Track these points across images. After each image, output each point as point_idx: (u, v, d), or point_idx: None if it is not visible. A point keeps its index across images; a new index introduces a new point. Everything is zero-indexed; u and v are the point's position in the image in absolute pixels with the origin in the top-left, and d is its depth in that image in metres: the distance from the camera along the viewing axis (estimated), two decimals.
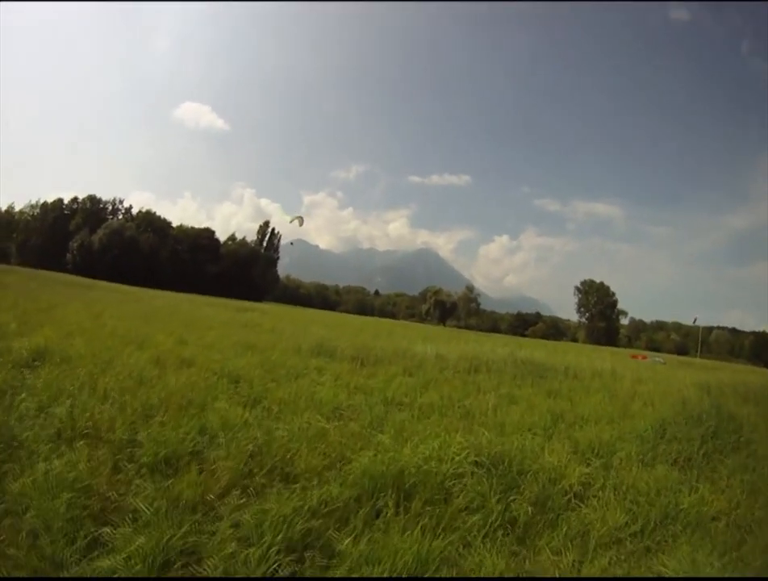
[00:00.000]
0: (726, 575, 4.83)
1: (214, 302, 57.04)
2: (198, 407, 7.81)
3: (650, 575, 4.89)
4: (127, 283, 76.86)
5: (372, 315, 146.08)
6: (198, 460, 6.04)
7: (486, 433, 7.66)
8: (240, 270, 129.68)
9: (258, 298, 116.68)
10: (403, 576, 4.45)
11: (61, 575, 4.18)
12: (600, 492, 6.53)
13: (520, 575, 4.74)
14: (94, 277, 78.90)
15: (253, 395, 9.02)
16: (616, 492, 6.58)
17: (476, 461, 6.60)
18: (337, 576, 4.42)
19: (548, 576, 4.74)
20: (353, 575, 4.43)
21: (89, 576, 4.18)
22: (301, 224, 39.99)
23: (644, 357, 53.14)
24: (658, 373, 21.36)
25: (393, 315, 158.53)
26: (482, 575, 4.64)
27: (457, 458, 6.56)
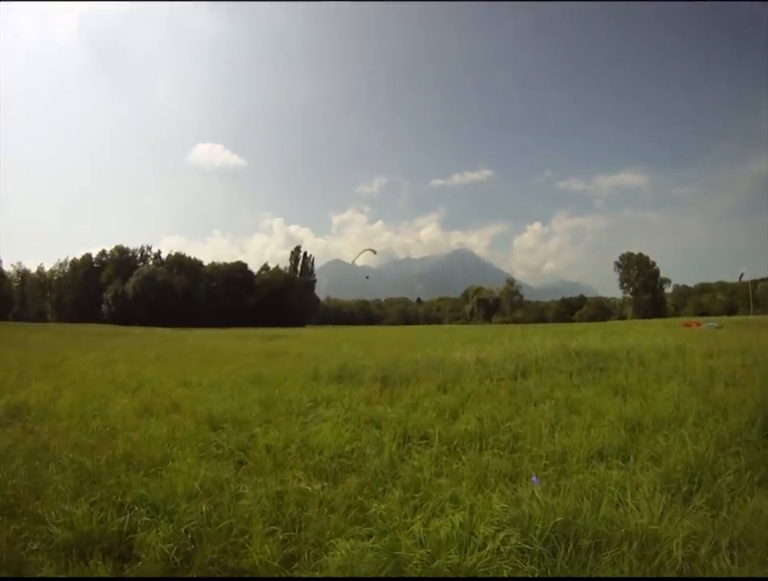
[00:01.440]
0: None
1: (246, 333, 55.69)
2: (157, 465, 6.69)
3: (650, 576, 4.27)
4: (164, 326, 77.94)
5: (417, 323, 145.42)
6: (124, 544, 4.89)
7: (539, 497, 5.16)
8: (277, 298, 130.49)
9: (299, 323, 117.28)
10: (404, 576, 4.26)
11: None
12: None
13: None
14: (130, 325, 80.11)
15: (231, 445, 7.59)
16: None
17: (522, 548, 4.42)
18: (338, 576, 4.27)
19: (549, 576, 4.24)
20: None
21: (89, 576, 4.27)
22: (374, 252, 39.27)
23: (698, 324, 49.50)
24: (723, 340, 18.83)
25: (438, 321, 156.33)
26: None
27: (490, 546, 4.40)
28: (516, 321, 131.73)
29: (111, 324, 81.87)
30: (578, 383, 11.18)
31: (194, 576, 4.29)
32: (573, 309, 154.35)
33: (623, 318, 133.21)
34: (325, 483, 6.14)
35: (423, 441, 7.78)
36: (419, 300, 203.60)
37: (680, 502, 5.37)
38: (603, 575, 4.22)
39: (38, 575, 4.44)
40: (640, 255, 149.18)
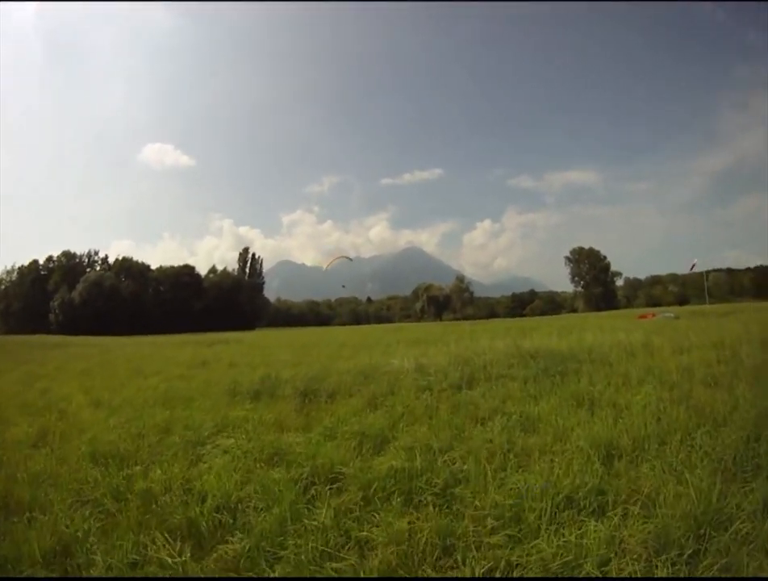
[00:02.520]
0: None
1: (187, 340, 52.59)
2: (24, 510, 5.78)
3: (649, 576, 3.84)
4: (113, 333, 76.27)
5: (367, 322, 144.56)
6: None
7: None
8: (225, 301, 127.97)
9: (249, 325, 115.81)
10: (404, 576, 4.07)
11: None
12: None
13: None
14: (78, 333, 77.13)
15: (104, 488, 6.28)
16: None
17: None
18: (338, 576, 4.11)
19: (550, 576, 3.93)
20: None
21: (89, 576, 4.32)
22: (350, 259, 38.82)
23: (653, 315, 49.03)
24: (690, 332, 17.50)
25: (389, 320, 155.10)
26: None
27: None
28: (467, 318, 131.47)
29: (58, 334, 78.63)
30: (535, 393, 9.26)
31: (194, 576, 4.23)
32: (525, 304, 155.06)
33: (574, 311, 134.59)
34: (194, 551, 4.74)
35: (334, 485, 5.86)
36: (369, 299, 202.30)
37: (684, 570, 3.94)
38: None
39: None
40: (591, 249, 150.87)
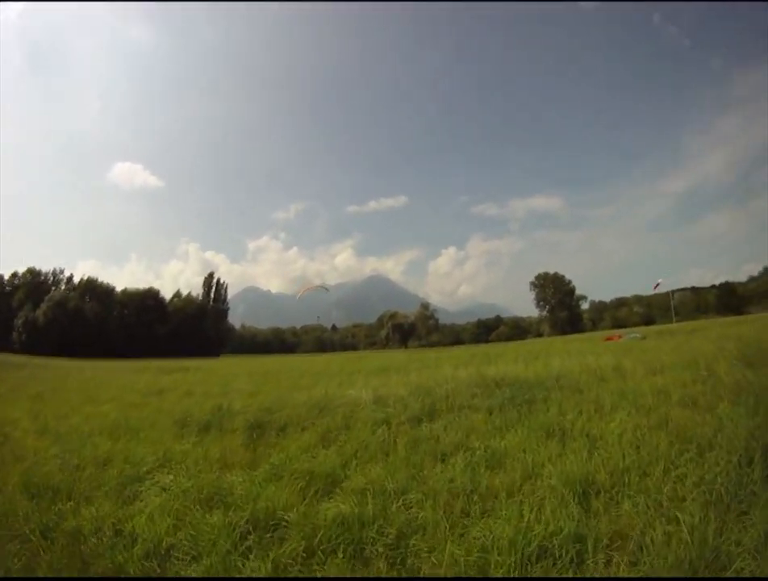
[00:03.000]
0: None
1: (147, 366, 50.71)
2: None
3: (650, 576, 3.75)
4: (76, 355, 74.99)
5: (333, 350, 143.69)
6: None
7: None
8: (189, 327, 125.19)
9: (214, 352, 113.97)
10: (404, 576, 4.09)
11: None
12: None
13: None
14: (41, 353, 75.58)
15: (33, 524, 5.77)
16: None
17: None
18: (338, 576, 4.13)
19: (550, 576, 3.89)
20: None
21: (89, 576, 4.38)
22: (326, 290, 37.23)
23: (620, 337, 48.99)
24: (661, 353, 17.12)
25: (354, 347, 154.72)
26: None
27: None
28: (432, 345, 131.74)
29: (21, 353, 76.08)
30: (501, 424, 8.54)
31: (195, 576, 4.22)
32: (490, 330, 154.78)
33: (540, 335, 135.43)
34: None
35: (275, 533, 5.15)
36: (334, 327, 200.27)
37: None
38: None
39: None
40: (556, 274, 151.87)
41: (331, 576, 4.06)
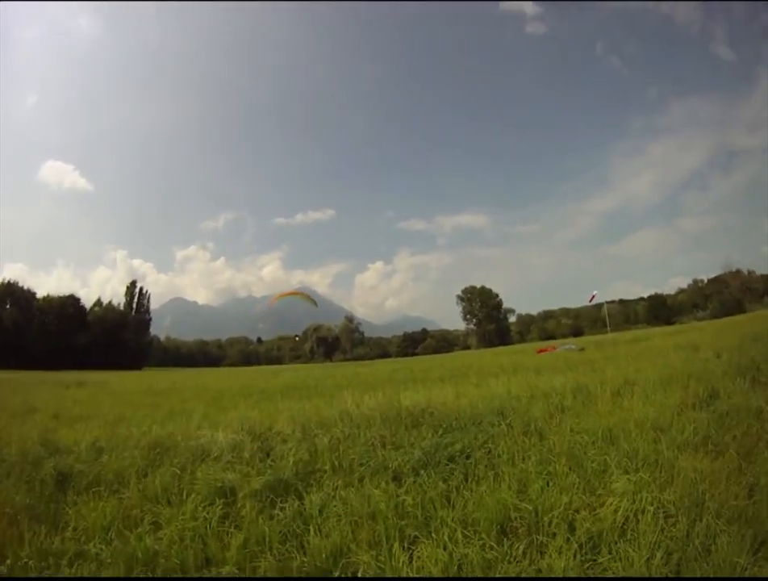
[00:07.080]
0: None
1: (55, 378, 44.72)
2: None
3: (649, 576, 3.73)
4: None
5: (258, 363, 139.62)
6: None
7: None
8: (111, 337, 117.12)
9: (135, 364, 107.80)
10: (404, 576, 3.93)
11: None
12: None
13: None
14: None
15: None
16: None
17: None
18: (338, 576, 4.02)
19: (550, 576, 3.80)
20: None
21: (89, 576, 4.23)
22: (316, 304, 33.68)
23: (554, 348, 46.47)
24: (601, 363, 14.74)
25: (279, 360, 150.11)
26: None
27: None
28: (357, 358, 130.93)
29: None
30: (414, 508, 4.82)
31: (194, 576, 4.23)
32: (417, 343, 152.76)
33: (467, 348, 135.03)
34: None
35: None
36: (259, 340, 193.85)
37: None
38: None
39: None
40: (483, 288, 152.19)
41: (335, 577, 3.94)
